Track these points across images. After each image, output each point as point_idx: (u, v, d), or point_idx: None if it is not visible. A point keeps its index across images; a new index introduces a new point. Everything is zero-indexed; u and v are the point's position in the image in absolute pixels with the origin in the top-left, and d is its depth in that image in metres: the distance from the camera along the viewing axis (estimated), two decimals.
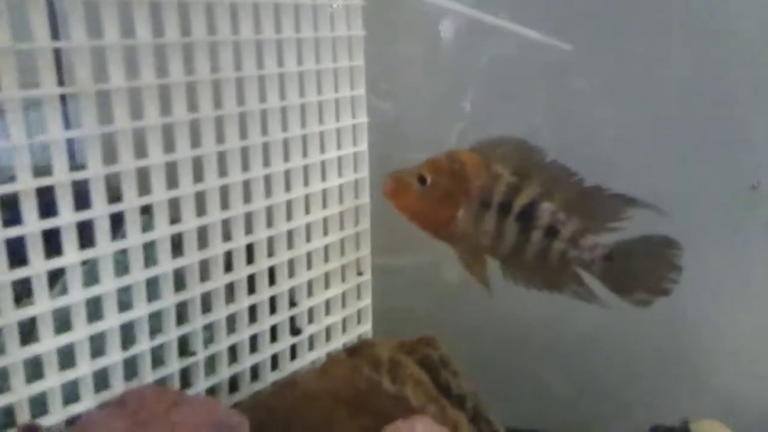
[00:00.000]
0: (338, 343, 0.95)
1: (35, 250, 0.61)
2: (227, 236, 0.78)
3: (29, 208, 0.60)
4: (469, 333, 1.07)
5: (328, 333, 0.95)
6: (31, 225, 0.60)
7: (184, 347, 0.76)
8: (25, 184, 0.59)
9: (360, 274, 0.98)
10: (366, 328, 1.00)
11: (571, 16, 1.03)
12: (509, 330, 1.09)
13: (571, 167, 0.81)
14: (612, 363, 1.06)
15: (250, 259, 0.82)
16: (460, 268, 0.87)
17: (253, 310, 0.83)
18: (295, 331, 0.90)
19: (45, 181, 0.60)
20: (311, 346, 0.92)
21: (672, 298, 1.04)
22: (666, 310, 1.05)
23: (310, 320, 0.92)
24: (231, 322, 0.81)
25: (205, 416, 0.65)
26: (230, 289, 0.80)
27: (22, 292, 0.61)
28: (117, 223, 0.67)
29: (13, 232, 0.59)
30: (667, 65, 1.02)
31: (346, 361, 0.76)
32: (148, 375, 0.72)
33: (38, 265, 0.61)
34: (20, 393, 0.61)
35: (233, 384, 0.83)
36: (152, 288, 0.71)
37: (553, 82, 1.05)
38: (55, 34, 0.61)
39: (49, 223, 0.61)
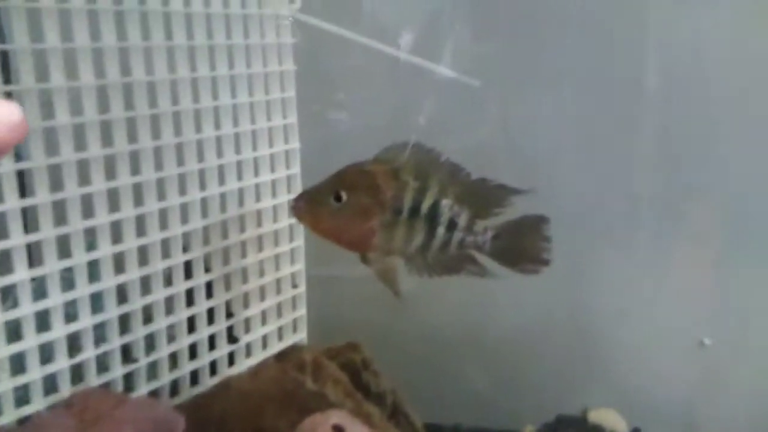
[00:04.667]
0: (275, 350, 1.03)
1: None
2: (166, 254, 0.87)
3: None
4: (397, 339, 1.17)
5: (265, 341, 1.03)
6: None
7: (127, 354, 0.84)
8: None
9: (295, 286, 1.07)
10: (301, 336, 1.08)
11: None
12: (432, 336, 1.19)
13: (460, 164, 0.89)
14: (525, 361, 1.16)
15: (188, 275, 0.90)
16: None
17: (191, 321, 0.91)
18: (232, 339, 0.98)
19: None
20: (248, 354, 1.00)
21: (576, 301, 1.17)
22: (572, 313, 1.18)
23: (247, 329, 1.00)
24: (171, 332, 0.89)
25: (146, 413, 0.73)
26: (170, 302, 0.88)
27: None
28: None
29: None
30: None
31: (275, 365, 0.85)
32: (93, 380, 0.80)
33: None
34: None
35: (174, 389, 0.91)
36: (96, 301, 0.79)
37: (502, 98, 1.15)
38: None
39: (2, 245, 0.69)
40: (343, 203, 0.86)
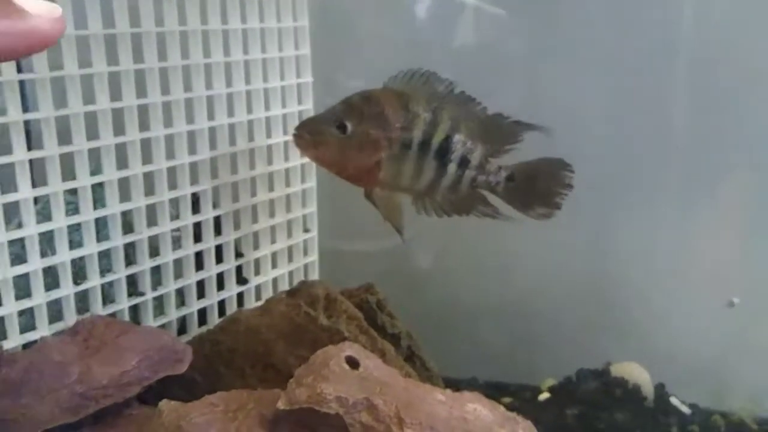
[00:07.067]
0: None
1: None
2: (173, 185, 0.83)
3: None
4: (415, 298, 1.14)
5: (275, 285, 1.00)
6: None
7: (135, 289, 0.81)
8: None
9: (307, 230, 1.04)
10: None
11: None
12: (451, 295, 1.16)
13: (475, 97, 0.83)
14: (548, 318, 1.13)
15: (196, 211, 0.87)
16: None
17: (199, 258, 0.88)
18: (241, 280, 0.95)
19: None
20: (258, 296, 0.97)
21: (604, 259, 1.13)
22: (599, 270, 1.14)
23: (257, 272, 0.97)
24: (179, 268, 0.86)
25: (152, 342, 0.70)
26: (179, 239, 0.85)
27: None
28: None
29: None
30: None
31: (286, 300, 0.81)
32: (99, 310, 0.77)
33: None
34: None
35: (182, 327, 0.88)
36: (101, 229, 0.76)
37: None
38: None
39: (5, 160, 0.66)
40: (348, 134, 0.80)
